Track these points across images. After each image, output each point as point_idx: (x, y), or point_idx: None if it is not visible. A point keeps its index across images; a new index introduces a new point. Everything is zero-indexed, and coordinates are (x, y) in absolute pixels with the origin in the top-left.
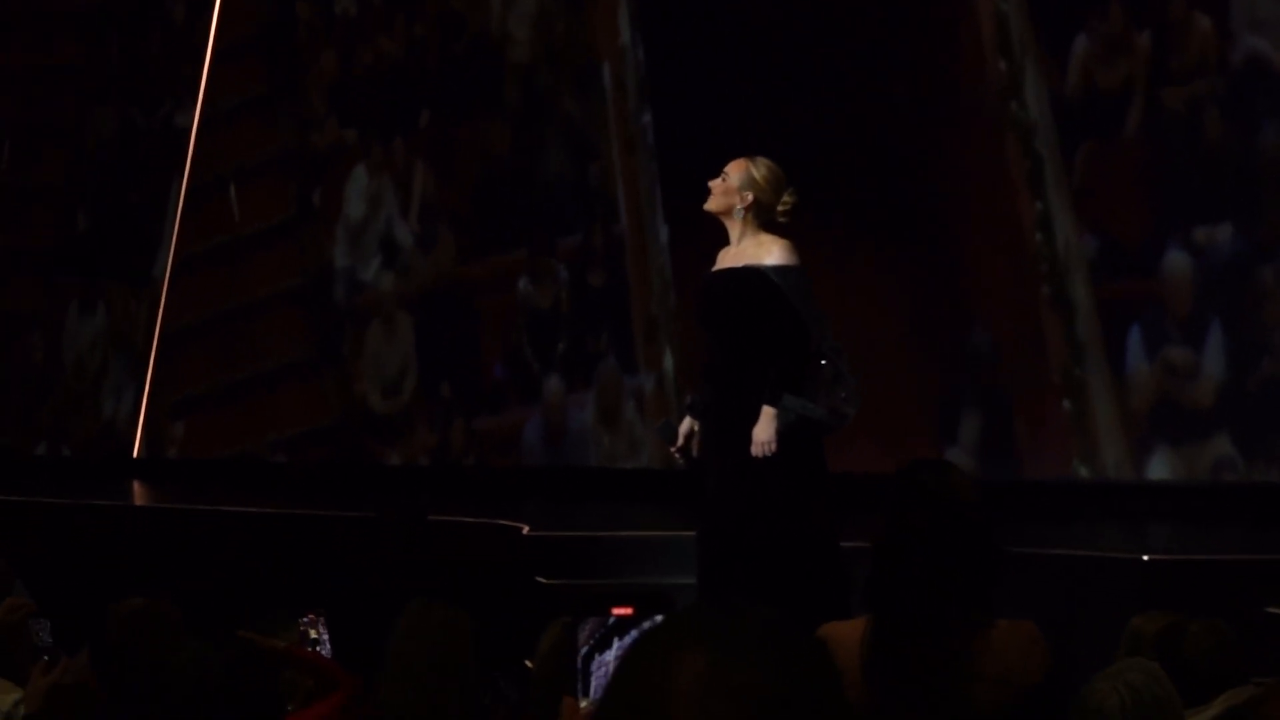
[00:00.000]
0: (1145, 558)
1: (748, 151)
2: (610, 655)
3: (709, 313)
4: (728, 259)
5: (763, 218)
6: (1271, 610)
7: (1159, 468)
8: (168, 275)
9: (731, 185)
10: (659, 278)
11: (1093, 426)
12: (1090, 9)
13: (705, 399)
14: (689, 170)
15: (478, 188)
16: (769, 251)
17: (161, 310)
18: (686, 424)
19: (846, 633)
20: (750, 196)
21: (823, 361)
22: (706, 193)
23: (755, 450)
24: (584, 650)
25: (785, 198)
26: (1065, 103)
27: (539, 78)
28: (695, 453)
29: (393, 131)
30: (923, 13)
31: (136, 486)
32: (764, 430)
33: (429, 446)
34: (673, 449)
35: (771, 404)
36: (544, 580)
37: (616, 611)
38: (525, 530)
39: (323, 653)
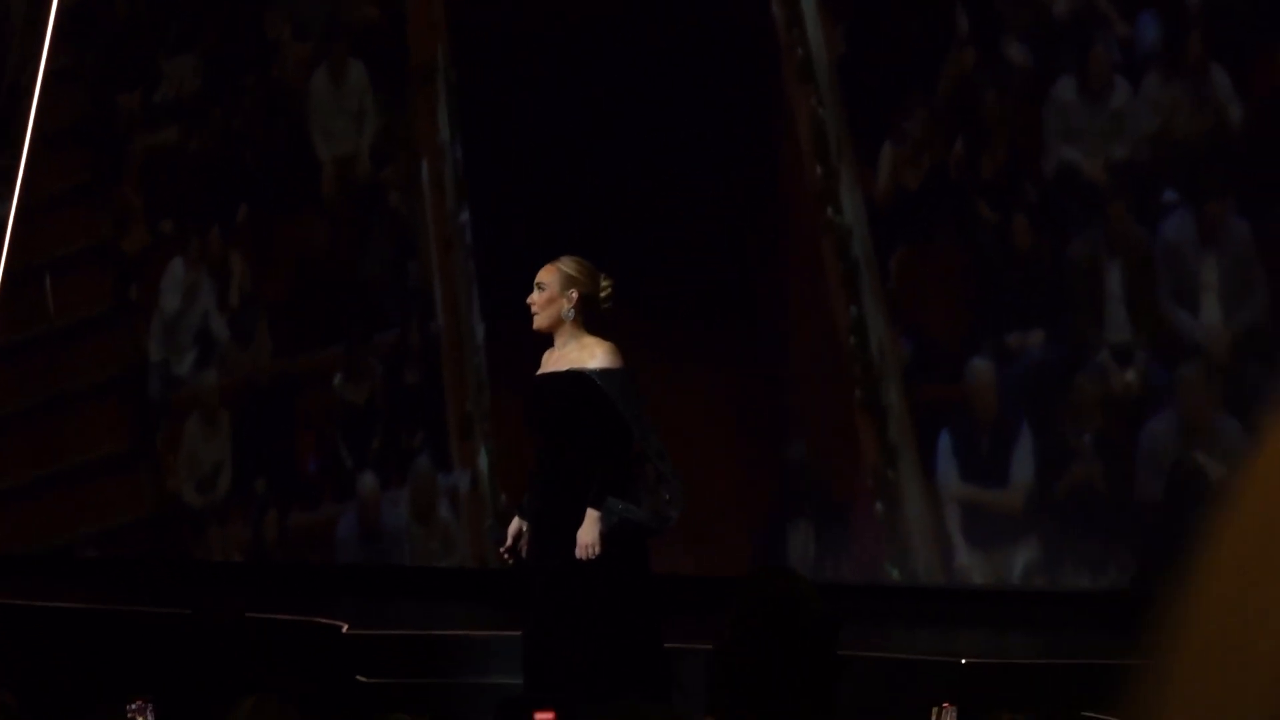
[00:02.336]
0: (963, 661)
1: (565, 250)
2: None
3: (535, 415)
4: (552, 362)
5: (589, 312)
6: (1088, 715)
7: (969, 572)
8: None
9: (553, 292)
10: (475, 376)
11: (904, 529)
12: (901, 114)
13: (534, 500)
14: (506, 268)
15: (295, 282)
16: (593, 355)
17: None
18: (515, 524)
19: None
20: (575, 294)
21: (646, 464)
22: (524, 304)
23: (580, 552)
24: None
25: (603, 283)
26: (878, 207)
27: (358, 173)
28: (524, 554)
29: (210, 224)
30: (742, 116)
31: None
32: (588, 533)
33: (243, 541)
34: (501, 550)
35: (595, 506)
36: (365, 679)
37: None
38: (345, 628)
39: None
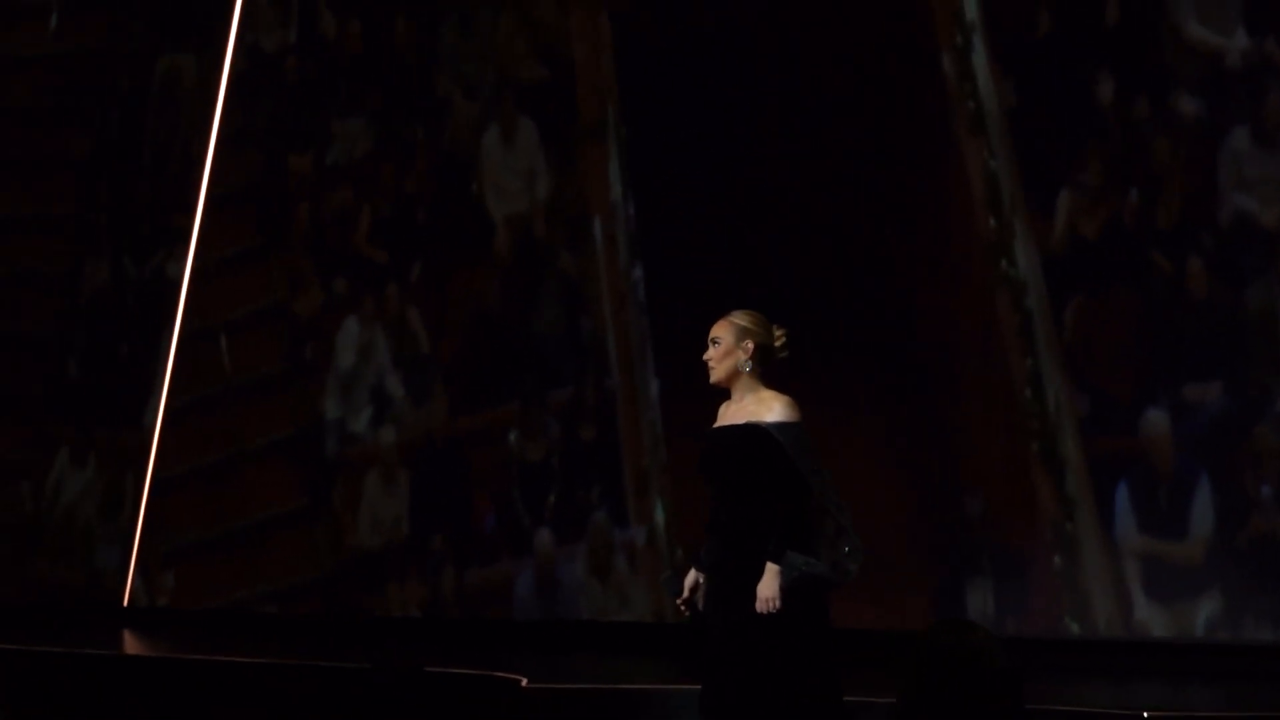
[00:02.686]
0: (1146, 715)
1: (737, 305)
2: None
3: (712, 469)
4: (729, 415)
5: (765, 363)
6: None
7: (1149, 625)
8: (159, 424)
9: (728, 345)
10: (650, 431)
11: (1083, 583)
12: (1074, 163)
13: (710, 553)
14: (679, 324)
15: (469, 340)
16: (769, 408)
17: (152, 459)
18: (692, 577)
19: None
20: (751, 345)
21: (825, 517)
22: (700, 358)
23: (760, 606)
24: None
25: (777, 332)
26: (1052, 258)
27: (531, 231)
28: (700, 606)
29: (385, 282)
30: (915, 171)
31: (127, 636)
32: (768, 587)
33: (420, 598)
34: (678, 601)
35: (775, 560)
36: None
37: None
38: (524, 683)
39: None
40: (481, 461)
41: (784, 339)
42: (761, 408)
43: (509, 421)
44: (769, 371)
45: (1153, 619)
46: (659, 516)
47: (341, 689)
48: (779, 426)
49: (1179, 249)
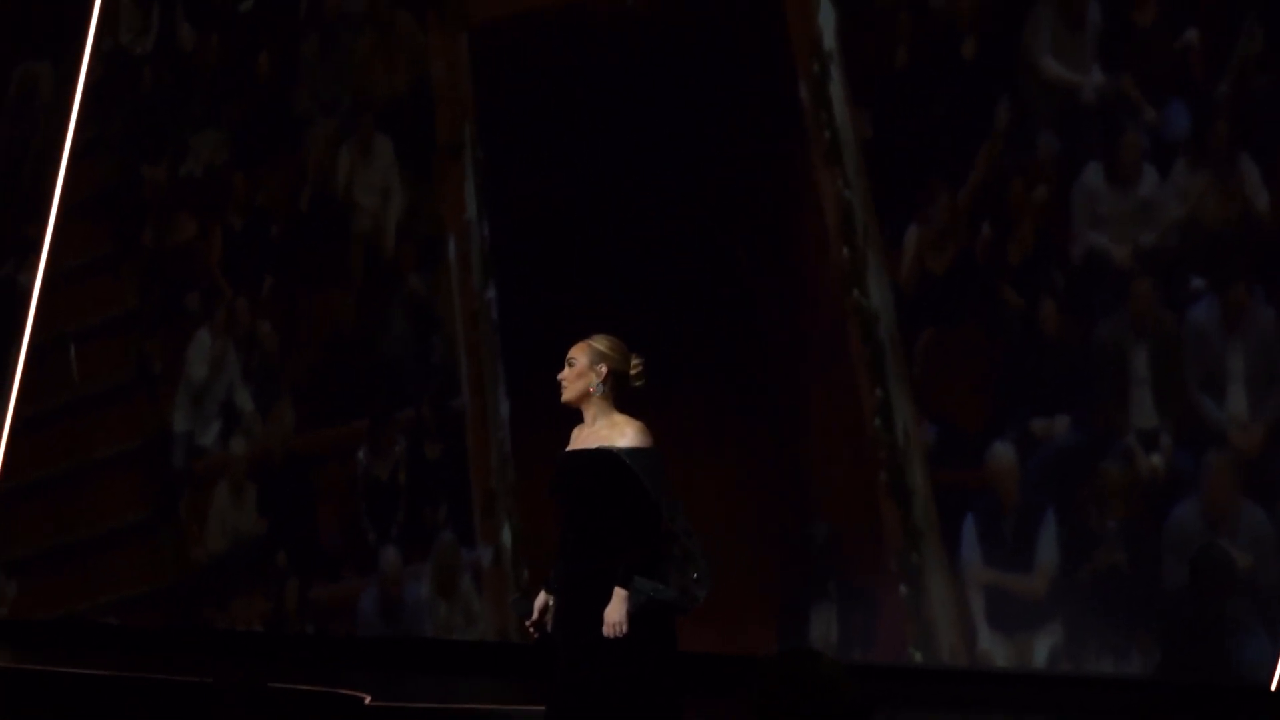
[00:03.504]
0: None
1: (592, 328)
2: None
3: (563, 492)
4: (581, 439)
5: (619, 389)
6: None
7: (993, 655)
8: (5, 433)
9: (582, 367)
10: (499, 451)
11: (928, 613)
12: (927, 198)
13: (559, 576)
14: (531, 345)
15: (320, 355)
16: (622, 433)
17: None
18: (542, 599)
19: None
20: (604, 369)
21: (674, 543)
22: (552, 378)
23: (607, 631)
24: None
25: (634, 361)
26: (903, 291)
27: (385, 248)
28: (549, 629)
29: (236, 295)
30: (770, 198)
31: None
32: (615, 611)
33: (264, 612)
34: (527, 624)
35: (623, 585)
36: None
37: None
38: (368, 700)
39: None
40: (328, 478)
41: (640, 368)
42: (614, 432)
43: (358, 438)
44: (622, 397)
45: (995, 649)
46: (506, 537)
47: (184, 703)
48: (630, 452)
49: (1030, 284)
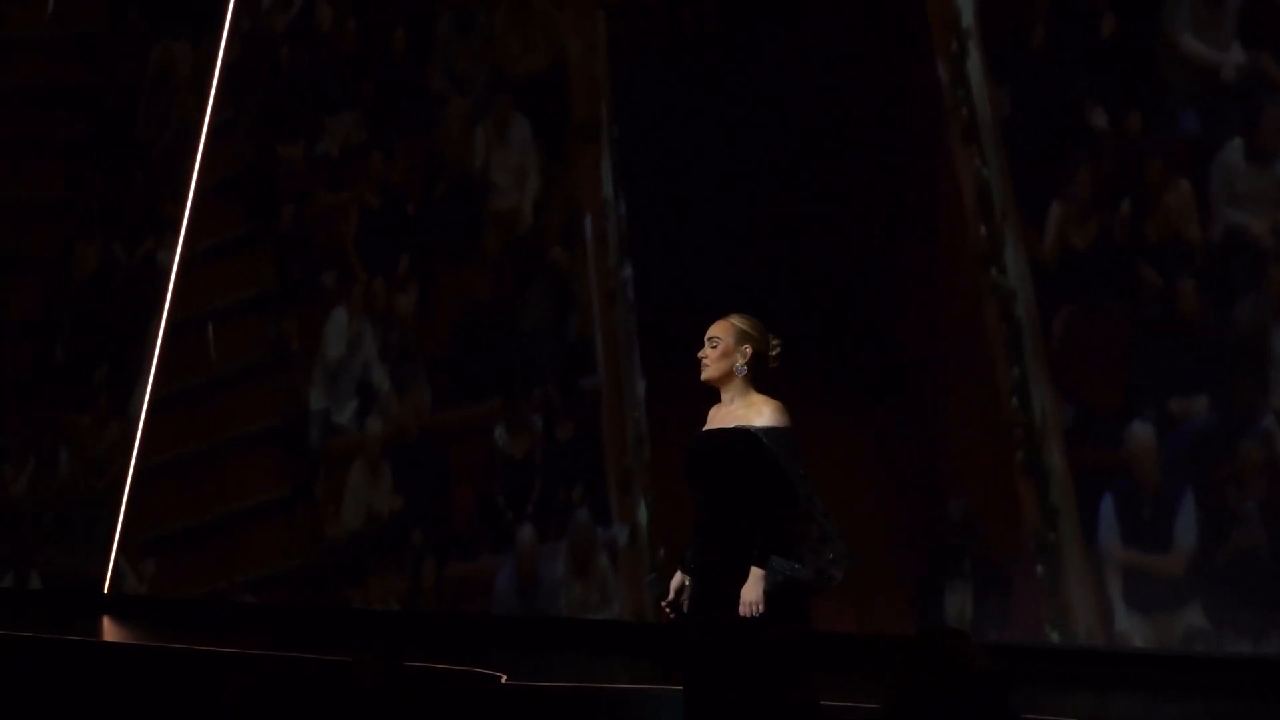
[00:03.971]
0: None
1: (728, 308)
2: None
3: (699, 472)
4: (718, 418)
5: (757, 369)
6: None
7: (1130, 636)
8: (144, 412)
9: (728, 346)
10: (635, 430)
11: (1065, 592)
12: (1066, 176)
13: (695, 555)
14: (667, 324)
15: (456, 334)
16: (759, 413)
17: (137, 447)
18: (677, 579)
19: None
20: (749, 350)
21: (811, 523)
22: (689, 357)
23: (743, 610)
24: None
25: (773, 341)
26: (1043, 269)
27: (522, 227)
28: (685, 609)
29: (374, 274)
30: (907, 177)
31: (106, 623)
32: (752, 590)
33: (400, 591)
34: (663, 604)
35: (760, 565)
36: None
37: None
38: (504, 679)
39: None
40: (464, 457)
41: (779, 349)
42: (751, 412)
43: (494, 417)
44: (760, 377)
45: (1133, 630)
46: (642, 515)
47: (321, 681)
48: (768, 431)
49: (1169, 263)
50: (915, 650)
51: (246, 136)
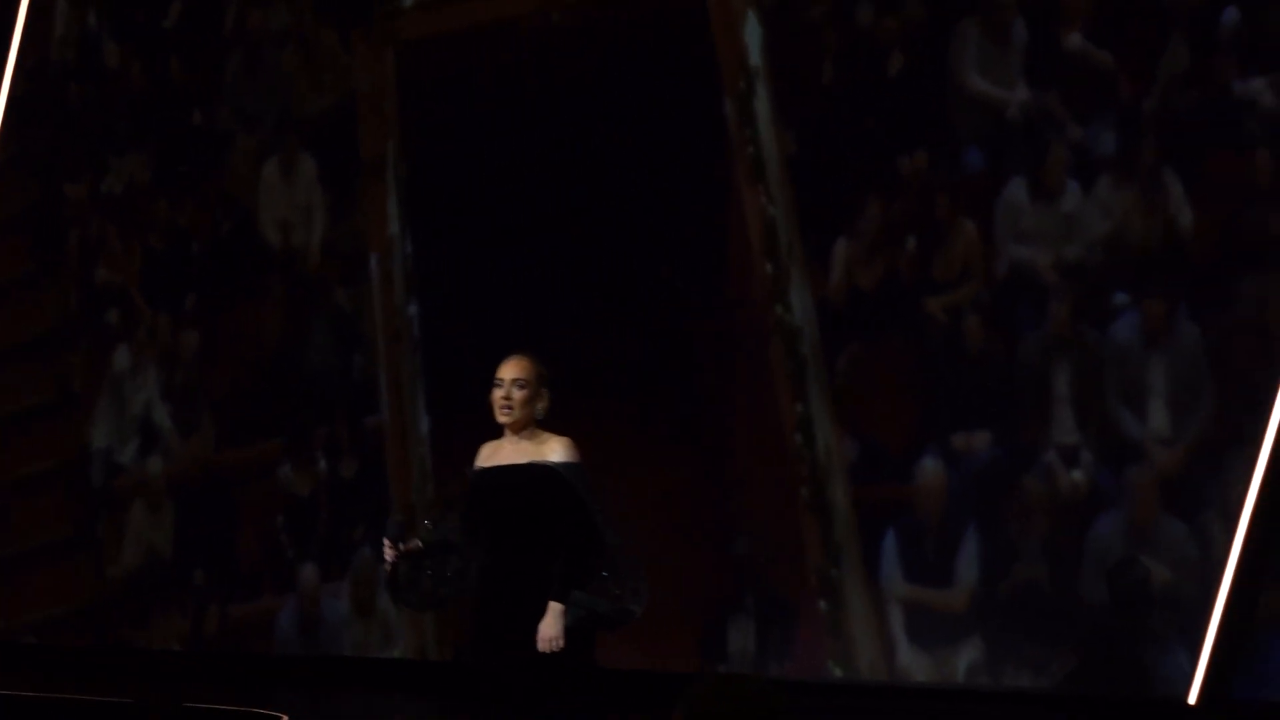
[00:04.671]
0: None
1: (515, 346)
2: None
3: (493, 507)
4: (505, 455)
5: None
6: None
7: (912, 670)
8: None
9: (533, 390)
10: (419, 468)
11: (848, 628)
12: (853, 212)
13: (484, 593)
14: (452, 362)
15: (241, 372)
16: (553, 449)
17: None
18: (415, 543)
19: None
20: (547, 394)
21: (608, 558)
22: (474, 396)
23: (543, 646)
24: None
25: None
26: (828, 306)
27: (308, 265)
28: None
29: (157, 313)
30: (694, 215)
31: None
32: (552, 626)
33: (182, 631)
34: (393, 546)
35: (560, 600)
36: None
37: None
38: (285, 719)
39: None
40: (248, 495)
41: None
42: (545, 448)
43: (278, 455)
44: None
45: (915, 664)
46: None
47: None
48: (565, 466)
49: (954, 300)
50: (703, 694)
51: (31, 174)
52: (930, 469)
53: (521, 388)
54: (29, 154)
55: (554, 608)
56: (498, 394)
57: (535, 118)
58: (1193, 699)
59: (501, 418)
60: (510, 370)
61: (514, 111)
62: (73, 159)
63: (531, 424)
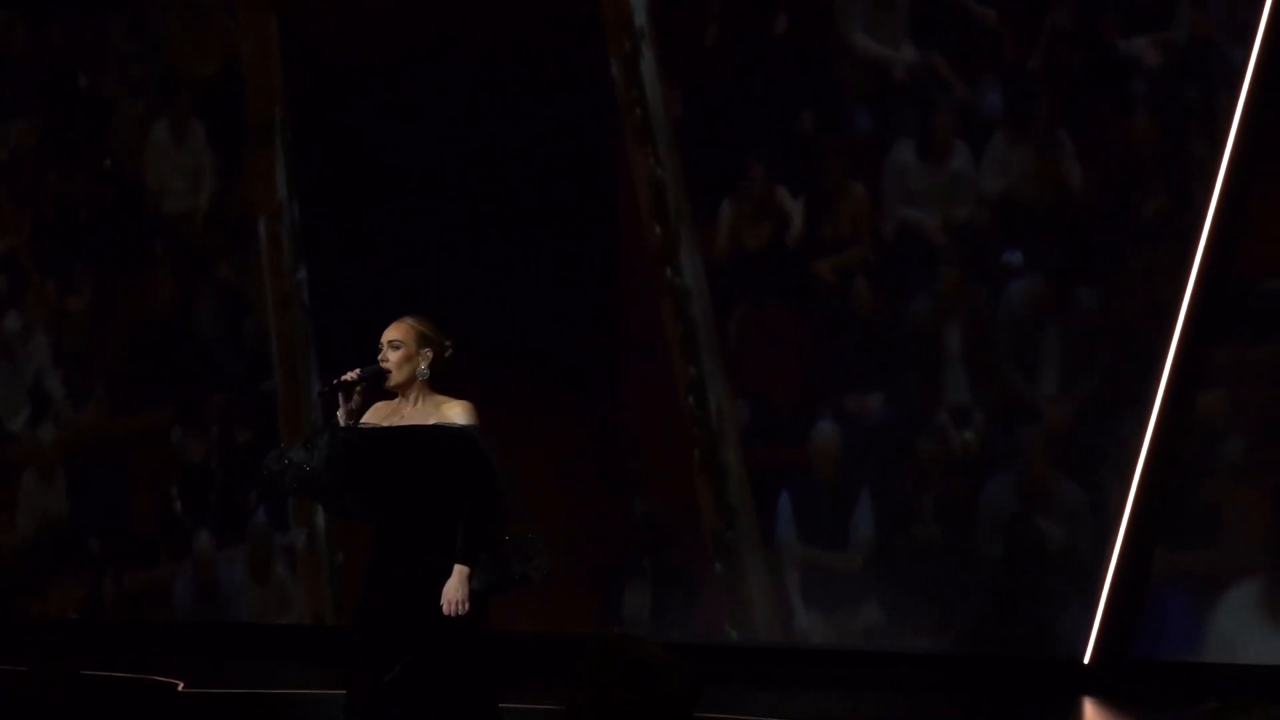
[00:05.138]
0: None
1: (405, 309)
2: None
3: (392, 468)
4: (401, 417)
5: (436, 370)
6: None
7: (809, 632)
8: None
9: (410, 350)
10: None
11: (743, 590)
12: (738, 175)
13: (382, 556)
14: (343, 327)
15: (131, 340)
16: (455, 412)
17: None
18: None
19: None
20: (429, 352)
21: (511, 521)
22: (366, 361)
23: (447, 609)
24: None
25: (447, 343)
26: (717, 268)
27: (196, 231)
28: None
29: (45, 280)
30: (582, 177)
31: None
32: (458, 590)
33: (78, 599)
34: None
35: (465, 563)
36: None
37: None
38: (180, 687)
39: None
40: (141, 463)
41: (451, 350)
42: (446, 410)
43: (171, 422)
44: (438, 377)
45: (812, 627)
46: (319, 520)
47: None
48: (467, 429)
49: (843, 261)
50: (600, 658)
51: None
52: (824, 431)
53: (396, 348)
54: None
55: (460, 570)
56: (379, 356)
57: (422, 82)
58: (1088, 658)
59: (388, 382)
60: (387, 333)
61: (400, 75)
62: None
63: (420, 385)
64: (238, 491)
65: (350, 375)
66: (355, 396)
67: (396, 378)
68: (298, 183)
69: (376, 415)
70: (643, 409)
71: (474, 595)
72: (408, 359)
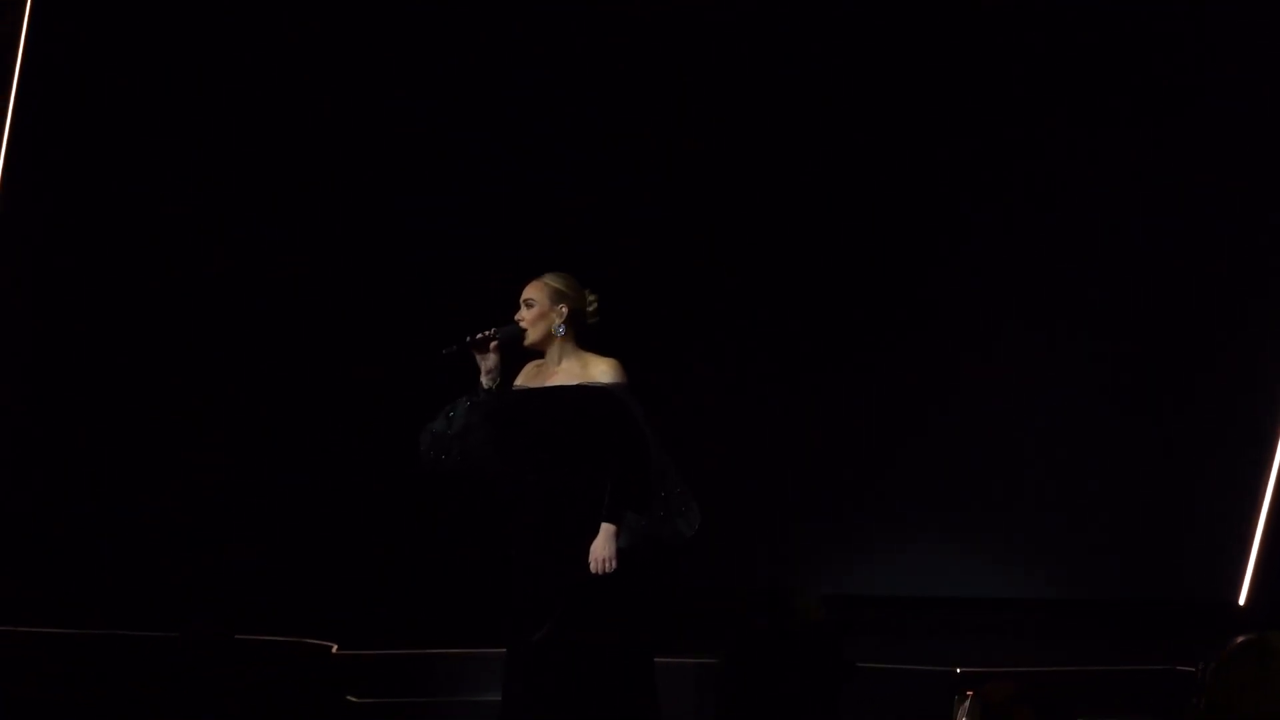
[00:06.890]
0: (958, 670)
1: None
2: None
3: (540, 429)
4: (546, 377)
5: (578, 325)
6: None
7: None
8: None
9: (544, 308)
10: None
11: None
12: None
13: (530, 517)
14: None
15: None
16: (601, 370)
17: None
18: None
19: None
20: (565, 309)
21: (662, 479)
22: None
23: (595, 567)
24: None
25: (590, 297)
26: None
27: None
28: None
29: None
30: None
31: None
32: (604, 547)
33: None
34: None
35: (612, 521)
36: (355, 700)
37: None
38: (335, 649)
39: None
40: None
41: (595, 304)
42: (592, 369)
43: None
44: (583, 335)
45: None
46: None
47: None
48: (617, 388)
49: None
50: (753, 603)
51: None
52: None
53: (530, 306)
54: None
55: (606, 528)
56: (515, 315)
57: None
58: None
59: (524, 341)
60: (524, 292)
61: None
62: None
63: (562, 343)
64: None
65: (484, 334)
66: (491, 355)
67: (532, 336)
68: None
69: (525, 377)
70: None
71: (622, 553)
72: (541, 316)
